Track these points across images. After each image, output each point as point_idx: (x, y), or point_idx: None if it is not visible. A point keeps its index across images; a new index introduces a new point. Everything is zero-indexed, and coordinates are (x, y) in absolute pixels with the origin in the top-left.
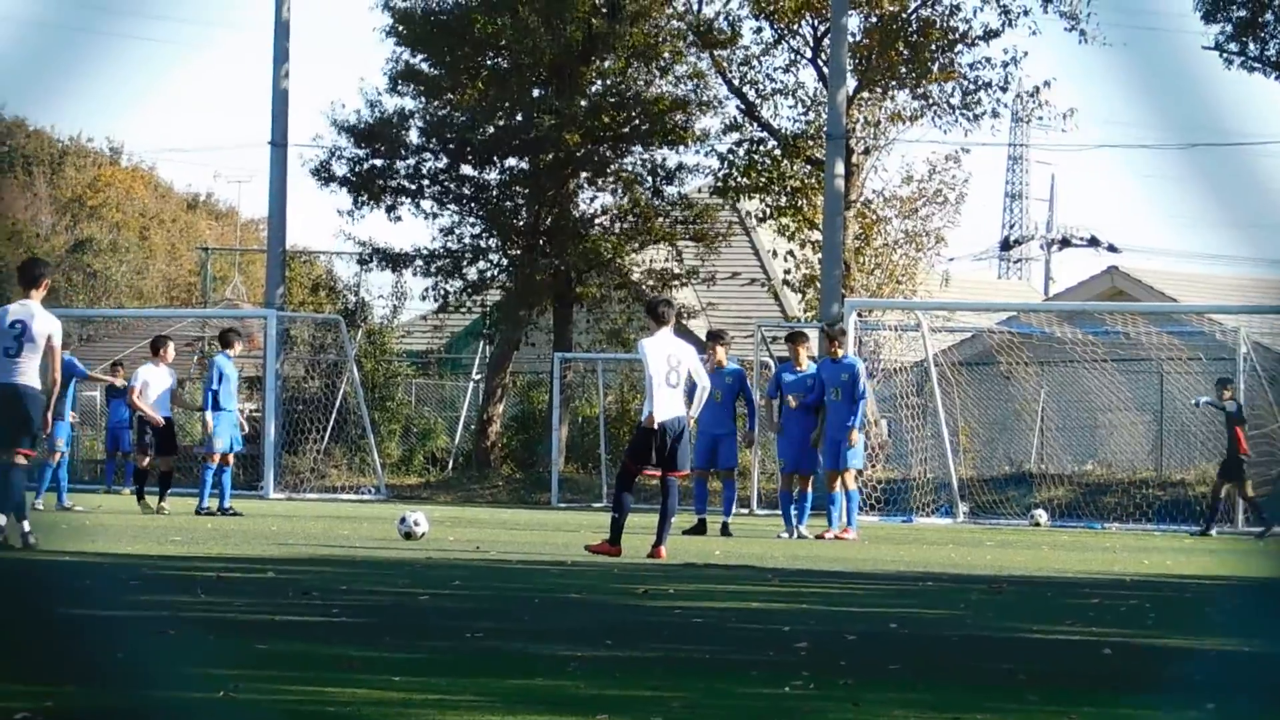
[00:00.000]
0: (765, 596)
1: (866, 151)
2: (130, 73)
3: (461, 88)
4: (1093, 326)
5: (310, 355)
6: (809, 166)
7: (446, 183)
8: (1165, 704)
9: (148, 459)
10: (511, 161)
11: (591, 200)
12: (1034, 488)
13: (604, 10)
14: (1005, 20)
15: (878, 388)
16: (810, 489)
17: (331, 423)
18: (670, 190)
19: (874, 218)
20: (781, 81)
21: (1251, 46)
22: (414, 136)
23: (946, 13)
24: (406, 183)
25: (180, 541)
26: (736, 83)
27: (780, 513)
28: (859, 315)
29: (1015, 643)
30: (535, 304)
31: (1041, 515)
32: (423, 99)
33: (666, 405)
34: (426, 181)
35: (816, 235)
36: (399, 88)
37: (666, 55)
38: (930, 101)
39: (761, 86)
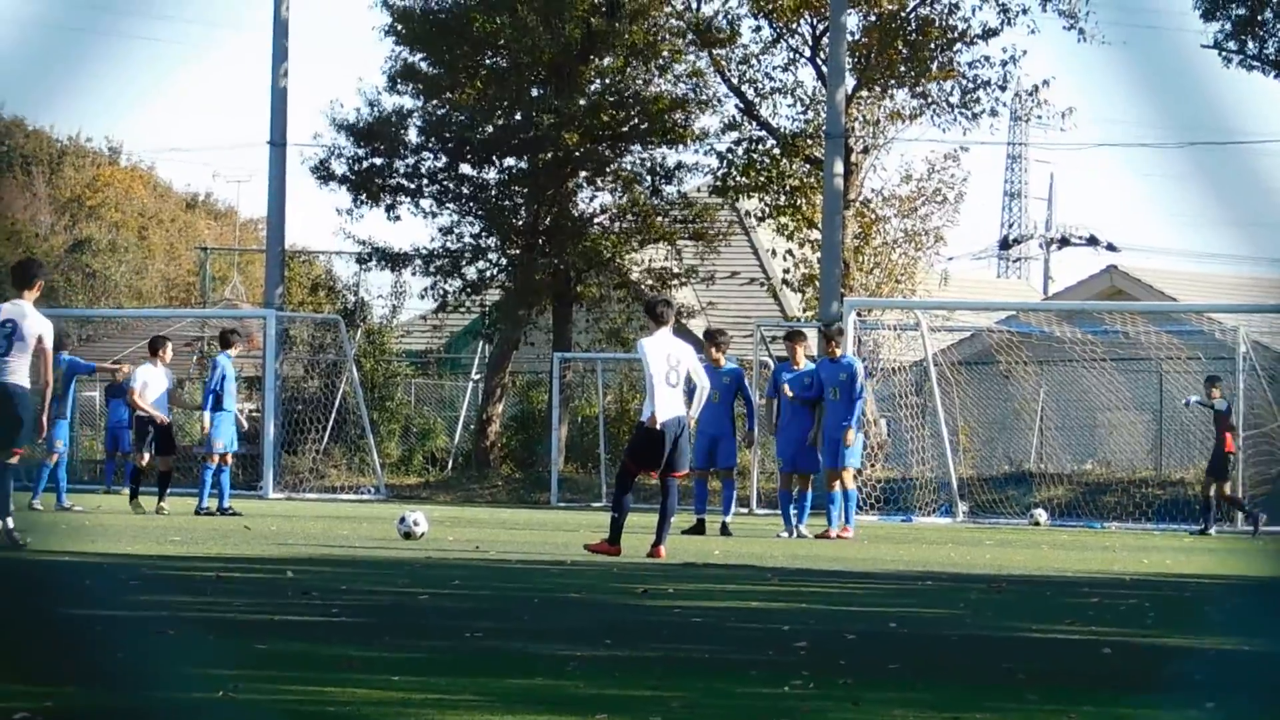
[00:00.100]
0: (765, 596)
1: (865, 150)
2: (129, 72)
3: (460, 87)
4: (1092, 326)
5: (309, 355)
6: (808, 165)
7: (445, 182)
8: (1165, 703)
9: (147, 458)
10: (510, 161)
11: (591, 199)
12: (1033, 487)
13: (603, 9)
14: (1004, 19)
15: (877, 387)
16: (810, 488)
17: (331, 423)
18: (669, 189)
19: (873, 217)
20: (780, 80)
21: (1250, 45)
22: (413, 135)
23: (945, 11)
24: (405, 182)
25: (179, 541)
26: (735, 81)
27: (779, 512)
28: (858, 314)
29: (1015, 642)
30: (534, 303)
31: (1041, 514)
32: (422, 98)
33: (667, 405)
34: (425, 181)
35: (815, 234)
36: (398, 87)
37: (665, 54)
38: (929, 100)
39: (760, 85)
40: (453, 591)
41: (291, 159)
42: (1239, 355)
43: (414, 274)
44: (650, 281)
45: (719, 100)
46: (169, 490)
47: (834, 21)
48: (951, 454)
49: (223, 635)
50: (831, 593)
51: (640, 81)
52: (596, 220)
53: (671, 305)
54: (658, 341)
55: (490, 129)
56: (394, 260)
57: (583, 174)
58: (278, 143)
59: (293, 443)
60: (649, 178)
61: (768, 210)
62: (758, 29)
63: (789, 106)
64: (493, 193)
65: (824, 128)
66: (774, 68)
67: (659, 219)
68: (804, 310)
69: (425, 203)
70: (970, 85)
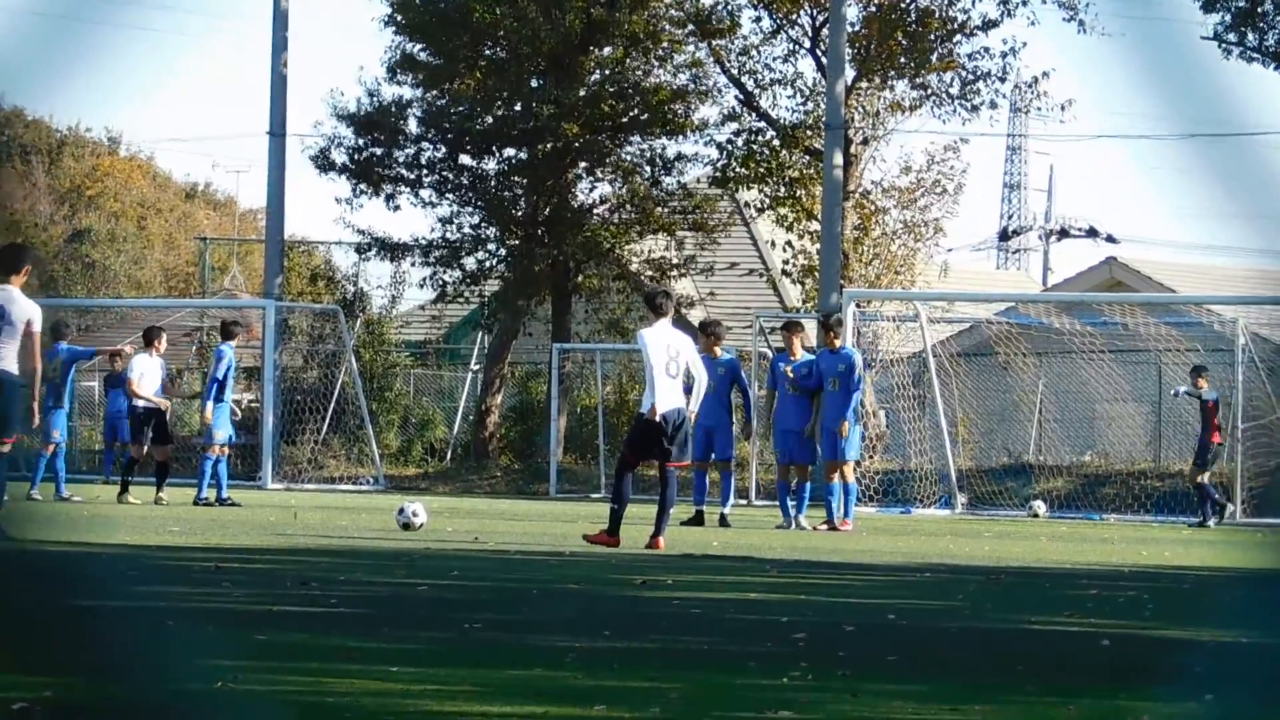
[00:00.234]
0: (763, 588)
1: (865, 142)
2: (129, 62)
3: (460, 77)
4: (1091, 317)
5: (308, 345)
6: (807, 157)
7: (445, 172)
8: (1163, 695)
9: (144, 449)
10: (510, 151)
11: (590, 190)
12: (1032, 479)
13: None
14: (1004, 10)
15: (876, 379)
16: (808, 479)
17: (330, 413)
18: (669, 180)
19: (872, 208)
20: (780, 71)
21: (1250, 36)
22: (413, 125)
23: (945, 2)
24: (405, 172)
25: (178, 532)
26: (735, 72)
27: (778, 504)
28: (857, 306)
29: (1013, 634)
30: (534, 294)
31: (1040, 506)
32: (421, 88)
33: (667, 396)
34: (425, 171)
35: (815, 225)
36: (398, 77)
37: (665, 45)
38: (929, 91)
39: (760, 76)
40: (451, 582)
41: (291, 149)
42: (1238, 347)
43: (413, 264)
44: (650, 272)
45: (719, 91)
46: (167, 480)
47: (834, 12)
48: (950, 446)
49: (221, 626)
50: (830, 584)
51: (640, 72)
52: (596, 211)
53: (671, 296)
54: (657, 332)
55: (490, 119)
56: (393, 250)
57: (582, 164)
58: (277, 133)
59: (292, 433)
60: (648, 168)
61: (767, 201)
62: (757, 20)
63: (789, 98)
64: (492, 183)
65: (824, 119)
66: (774, 59)
67: (658, 210)
68: (803, 301)
69: (425, 193)
70: (970, 77)
